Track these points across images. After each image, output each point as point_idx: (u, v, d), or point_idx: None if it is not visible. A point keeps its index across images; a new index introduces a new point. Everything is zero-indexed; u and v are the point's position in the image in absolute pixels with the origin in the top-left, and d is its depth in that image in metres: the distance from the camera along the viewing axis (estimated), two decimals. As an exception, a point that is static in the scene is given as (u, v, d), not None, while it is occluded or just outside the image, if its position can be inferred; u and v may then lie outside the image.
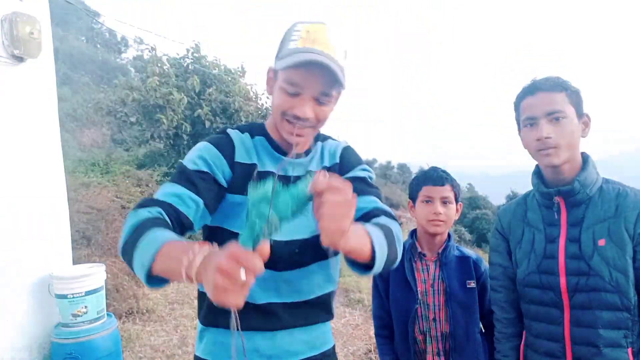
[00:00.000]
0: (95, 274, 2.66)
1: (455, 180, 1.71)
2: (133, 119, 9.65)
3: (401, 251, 1.06)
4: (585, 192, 1.29)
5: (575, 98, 1.29)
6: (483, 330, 1.69)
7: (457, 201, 1.68)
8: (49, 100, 2.78)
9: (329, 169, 1.20)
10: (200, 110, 8.84)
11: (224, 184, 1.09)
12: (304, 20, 1.08)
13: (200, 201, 1.03)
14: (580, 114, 1.30)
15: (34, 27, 2.52)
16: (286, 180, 1.11)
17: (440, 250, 1.67)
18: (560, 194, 1.31)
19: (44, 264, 2.67)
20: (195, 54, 9.97)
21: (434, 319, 1.62)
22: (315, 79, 1.02)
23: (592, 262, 1.25)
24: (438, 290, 1.64)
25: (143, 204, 0.97)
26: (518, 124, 1.38)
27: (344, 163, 1.23)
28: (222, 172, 1.09)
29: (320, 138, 1.25)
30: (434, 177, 1.67)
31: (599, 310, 1.24)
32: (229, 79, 9.71)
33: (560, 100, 1.26)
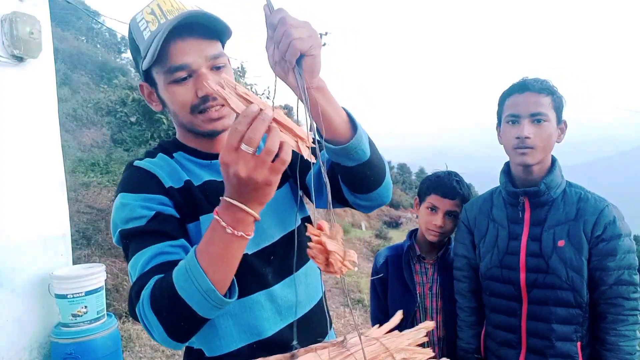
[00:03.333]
0: (95, 274, 2.66)
1: (469, 189, 1.64)
2: (133, 119, 9.65)
3: (386, 166, 0.94)
4: (550, 194, 1.36)
5: (558, 104, 1.35)
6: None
7: None
8: (49, 100, 2.78)
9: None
10: (200, 110, 8.83)
11: (177, 214, 0.91)
12: (139, 9, 0.94)
13: (181, 241, 0.87)
14: (559, 120, 1.37)
15: (34, 27, 2.53)
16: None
17: (439, 254, 1.66)
18: (526, 194, 1.38)
19: (44, 264, 2.67)
20: (195, 54, 9.98)
21: None
22: (196, 43, 0.88)
23: (550, 260, 1.33)
24: (436, 294, 1.63)
25: (137, 291, 0.79)
26: (499, 118, 1.43)
27: None
28: (166, 206, 0.90)
29: None
30: (446, 188, 1.59)
31: (554, 306, 1.33)
32: (229, 79, 9.70)
33: (545, 103, 1.32)
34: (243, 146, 0.64)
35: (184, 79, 0.89)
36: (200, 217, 0.92)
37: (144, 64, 0.90)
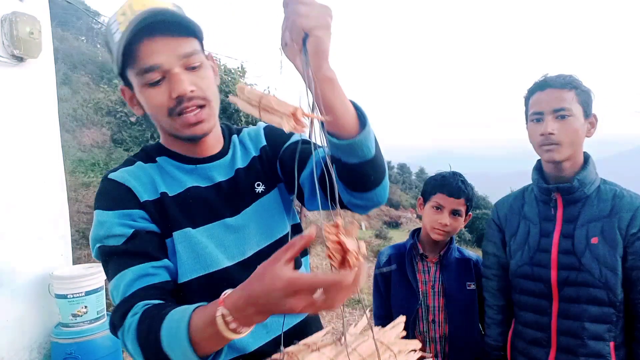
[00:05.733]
0: (95, 274, 2.66)
1: (473, 189, 1.66)
2: (133, 119, 9.65)
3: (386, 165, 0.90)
4: (583, 190, 1.32)
5: (584, 97, 1.31)
6: (483, 332, 1.69)
7: (467, 213, 1.65)
8: (49, 100, 2.78)
9: (259, 157, 1.01)
10: (200, 110, 8.83)
11: (157, 229, 0.88)
12: (115, 10, 0.88)
13: (164, 261, 0.85)
14: (587, 114, 1.32)
15: (34, 27, 2.53)
16: (217, 188, 0.94)
17: (442, 252, 1.67)
18: (559, 190, 1.35)
19: (44, 264, 2.67)
20: (195, 54, 9.97)
21: (433, 321, 1.62)
22: (166, 41, 0.82)
23: (583, 258, 1.30)
24: (438, 292, 1.64)
25: (121, 315, 0.79)
26: (526, 117, 1.41)
27: (274, 140, 1.02)
28: (145, 221, 0.87)
29: (233, 131, 1.06)
30: (451, 187, 1.61)
31: (586, 304, 1.30)
32: (229, 79, 9.71)
33: (568, 98, 1.29)
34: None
35: (157, 81, 0.83)
36: (174, 234, 0.87)
37: (115, 68, 0.86)
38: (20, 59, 2.54)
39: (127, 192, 0.87)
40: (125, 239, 0.84)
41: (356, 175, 0.82)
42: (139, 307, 0.77)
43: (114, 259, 0.84)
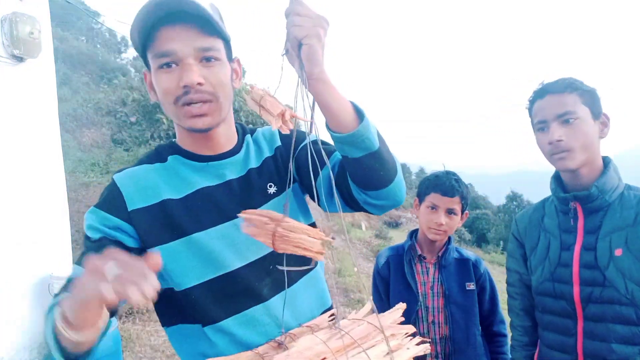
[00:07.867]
0: (95, 274, 2.66)
1: (467, 188, 1.65)
2: (133, 119, 9.68)
3: (398, 166, 0.91)
4: (604, 198, 1.22)
5: (589, 98, 1.23)
6: (482, 333, 1.68)
7: (463, 211, 1.65)
8: (49, 100, 2.78)
9: (273, 158, 1.01)
10: (200, 110, 8.86)
11: (131, 242, 0.88)
12: None
13: None
14: (596, 114, 1.24)
15: (34, 27, 2.53)
16: (228, 187, 0.94)
17: (440, 253, 1.67)
18: (577, 199, 1.25)
19: (44, 264, 2.67)
20: (195, 54, 10.01)
21: (433, 322, 1.62)
22: (186, 31, 0.84)
23: (607, 272, 1.19)
24: (437, 293, 1.63)
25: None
26: (533, 127, 1.34)
27: (289, 141, 1.01)
28: (120, 231, 0.88)
29: (247, 131, 1.06)
30: (445, 186, 1.61)
31: (612, 323, 1.19)
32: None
33: (570, 101, 1.21)
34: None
35: (170, 65, 0.85)
36: (178, 240, 0.88)
37: (137, 48, 0.89)
38: (20, 59, 2.54)
39: (118, 197, 0.90)
40: (92, 241, 0.88)
41: (365, 171, 0.84)
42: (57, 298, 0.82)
43: (84, 248, 0.91)
